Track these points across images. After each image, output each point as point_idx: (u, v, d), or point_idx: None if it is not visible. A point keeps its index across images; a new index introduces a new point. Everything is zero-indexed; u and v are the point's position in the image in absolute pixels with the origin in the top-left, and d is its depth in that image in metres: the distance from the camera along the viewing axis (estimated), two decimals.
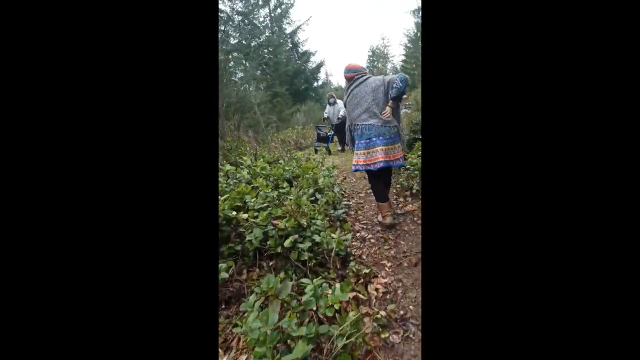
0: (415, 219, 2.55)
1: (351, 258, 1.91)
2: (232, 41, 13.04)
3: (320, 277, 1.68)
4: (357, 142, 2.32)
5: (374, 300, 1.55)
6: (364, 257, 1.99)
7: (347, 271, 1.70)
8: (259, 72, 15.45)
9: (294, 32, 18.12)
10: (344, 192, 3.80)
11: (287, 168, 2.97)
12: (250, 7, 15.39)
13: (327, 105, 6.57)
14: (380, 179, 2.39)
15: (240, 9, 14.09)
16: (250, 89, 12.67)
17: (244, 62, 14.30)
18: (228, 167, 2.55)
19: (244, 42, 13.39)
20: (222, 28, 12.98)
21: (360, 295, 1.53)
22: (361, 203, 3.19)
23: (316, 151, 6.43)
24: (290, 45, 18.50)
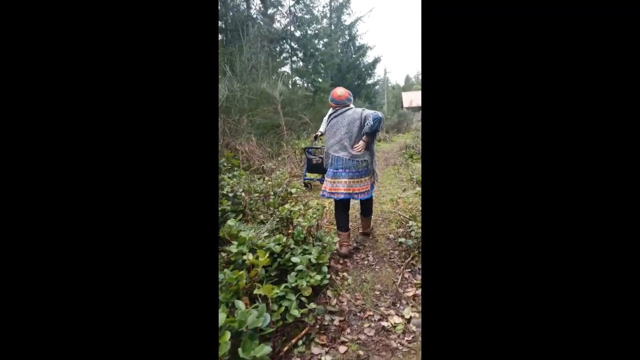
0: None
1: None
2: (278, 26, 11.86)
3: None
4: (328, 169, 2.35)
5: None
6: None
7: None
8: (310, 65, 14.20)
9: (352, 24, 16.43)
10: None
11: None
12: None
13: (326, 117, 4.22)
14: (344, 209, 2.38)
15: None
16: (295, 80, 11.49)
17: (292, 52, 13.15)
18: None
19: (291, 28, 12.12)
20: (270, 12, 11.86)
21: None
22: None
23: (307, 185, 4.11)
24: (348, 38, 16.87)
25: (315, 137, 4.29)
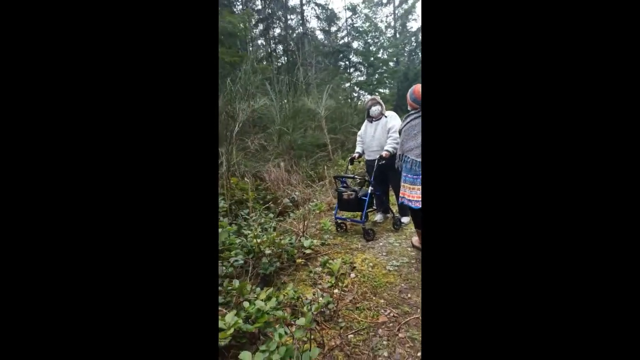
0: None
1: None
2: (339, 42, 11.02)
3: None
4: (404, 174, 2.18)
5: None
6: None
7: None
8: (374, 77, 13.06)
9: (419, 30, 14.68)
10: None
11: None
12: (372, 7, 13.05)
13: (365, 123, 2.98)
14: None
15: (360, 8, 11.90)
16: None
17: (352, 65, 12.19)
18: None
19: (348, 39, 11.17)
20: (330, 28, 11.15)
21: None
22: None
23: (340, 227, 2.85)
24: (414, 45, 15.14)
25: (352, 161, 3.09)
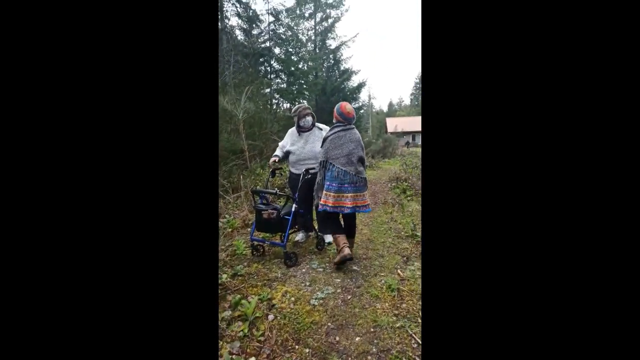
0: None
1: None
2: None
3: None
4: (328, 182, 2.19)
5: None
6: None
7: None
8: (295, 86, 12.97)
9: (337, 48, 15.48)
10: None
11: None
12: (294, 18, 13.05)
13: (292, 133, 2.66)
14: (337, 217, 2.29)
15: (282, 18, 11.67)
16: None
17: (273, 71, 11.87)
18: None
19: (269, 44, 10.88)
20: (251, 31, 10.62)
21: None
22: None
23: (256, 250, 2.43)
24: (332, 62, 15.86)
25: (273, 173, 2.71)
